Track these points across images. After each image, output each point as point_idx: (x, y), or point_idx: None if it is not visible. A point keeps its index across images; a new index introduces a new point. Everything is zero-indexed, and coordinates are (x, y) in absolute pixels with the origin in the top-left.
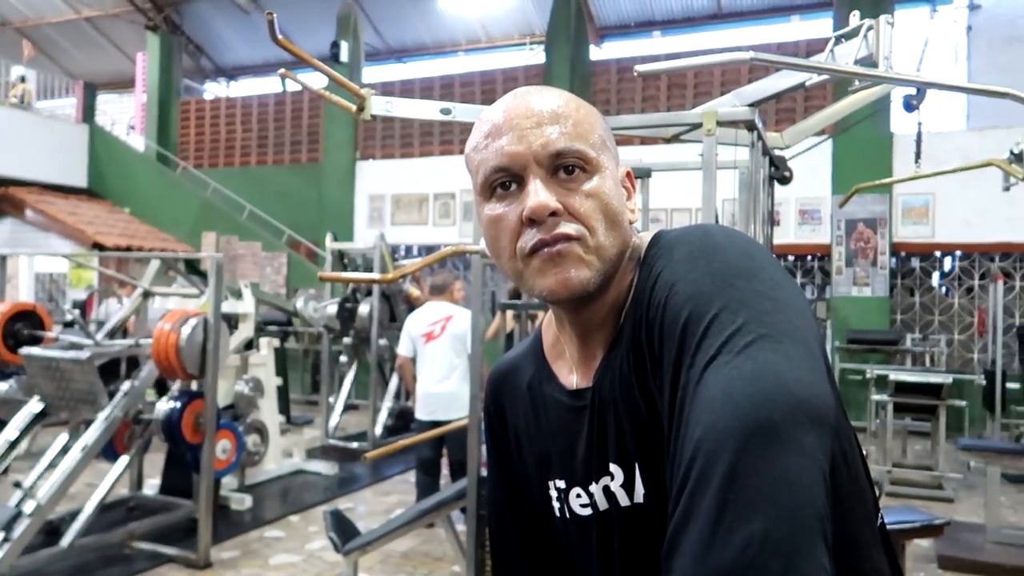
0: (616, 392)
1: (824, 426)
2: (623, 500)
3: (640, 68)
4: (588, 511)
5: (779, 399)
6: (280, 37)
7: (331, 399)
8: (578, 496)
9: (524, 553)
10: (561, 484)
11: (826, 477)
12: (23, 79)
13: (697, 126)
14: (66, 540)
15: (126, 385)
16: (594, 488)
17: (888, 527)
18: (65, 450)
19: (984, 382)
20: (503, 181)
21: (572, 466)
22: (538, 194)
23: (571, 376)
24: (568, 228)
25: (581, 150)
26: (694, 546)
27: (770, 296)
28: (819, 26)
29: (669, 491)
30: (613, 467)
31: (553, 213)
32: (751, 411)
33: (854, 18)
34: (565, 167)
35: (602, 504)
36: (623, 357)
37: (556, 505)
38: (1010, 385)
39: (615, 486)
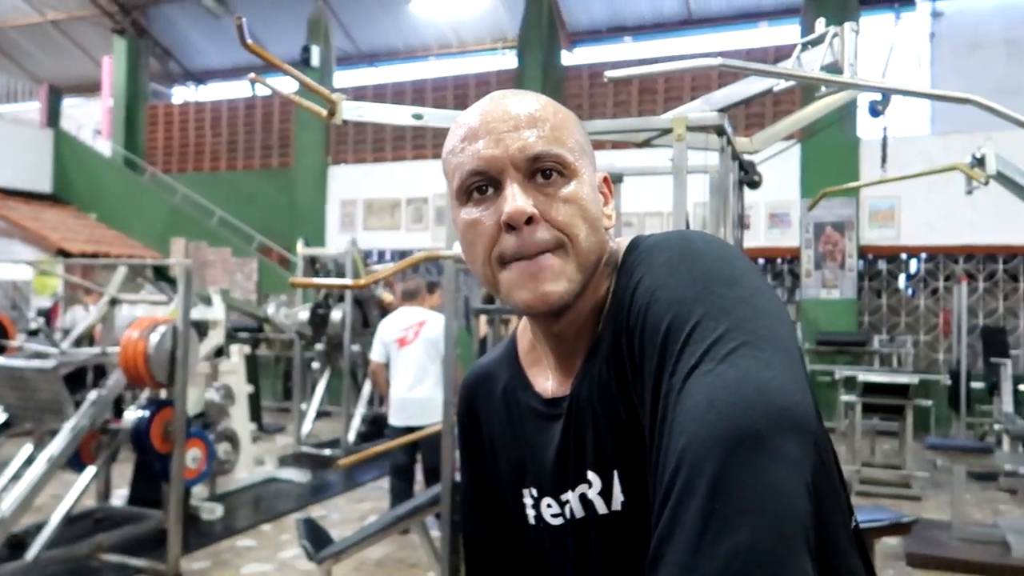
0: (595, 400)
1: (806, 434)
2: (601, 508)
3: (611, 74)
4: (559, 520)
5: (762, 408)
6: (250, 41)
7: (303, 406)
8: (549, 506)
9: (498, 559)
10: (535, 492)
11: (809, 485)
12: None
13: (668, 131)
14: (31, 553)
15: (93, 394)
16: (568, 496)
17: (859, 526)
18: (30, 461)
19: (949, 382)
20: (480, 185)
21: (545, 475)
22: (515, 199)
23: (547, 384)
24: (546, 235)
25: (559, 154)
26: (679, 557)
27: (751, 303)
28: (787, 32)
29: (652, 500)
30: (591, 475)
31: (530, 219)
32: (734, 420)
33: (820, 25)
34: (543, 171)
35: (578, 512)
36: (603, 364)
37: (530, 513)
38: (974, 385)
39: (592, 494)
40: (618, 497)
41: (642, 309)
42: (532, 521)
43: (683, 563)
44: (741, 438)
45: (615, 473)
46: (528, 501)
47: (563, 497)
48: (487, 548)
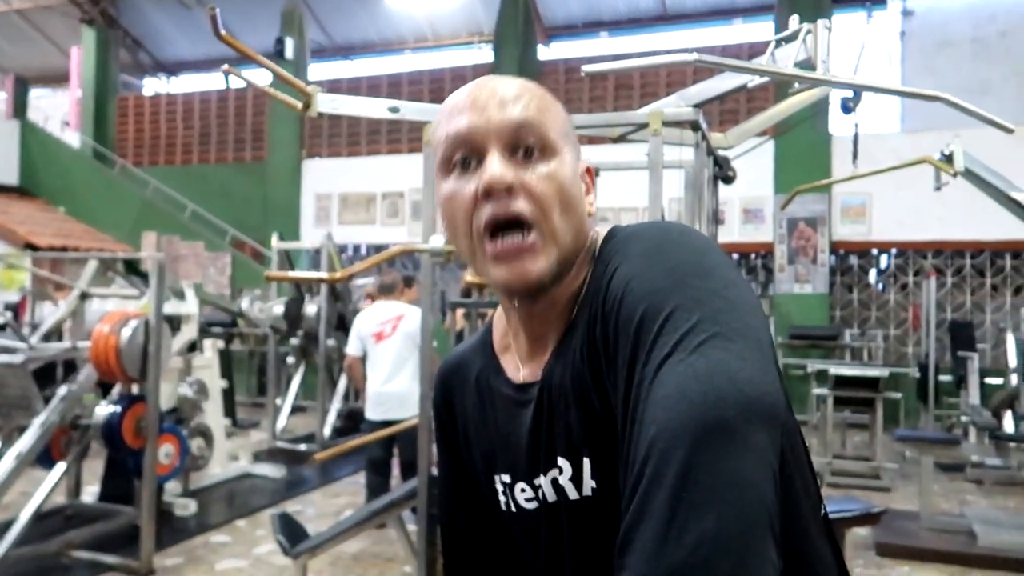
0: (567, 386)
1: (774, 425)
2: (572, 494)
3: (588, 68)
4: (534, 504)
5: (731, 398)
6: (223, 32)
7: (278, 401)
8: (523, 490)
9: (474, 547)
10: (506, 478)
11: (776, 475)
12: None
13: (644, 126)
14: (0, 551)
15: (63, 389)
16: (540, 481)
17: (829, 516)
18: None
19: (918, 375)
20: (463, 157)
21: (516, 460)
22: (495, 166)
23: (518, 370)
24: (522, 206)
25: (542, 128)
26: (647, 544)
27: (724, 295)
28: (761, 29)
29: (622, 488)
30: (561, 461)
31: (510, 188)
32: (704, 410)
33: (794, 22)
34: (525, 148)
35: (550, 497)
36: (576, 351)
37: (502, 499)
38: (942, 378)
39: (563, 479)
40: (588, 483)
41: (617, 298)
42: (504, 508)
43: (650, 550)
44: (710, 428)
45: (585, 460)
46: (499, 487)
47: (536, 482)
48: (464, 536)
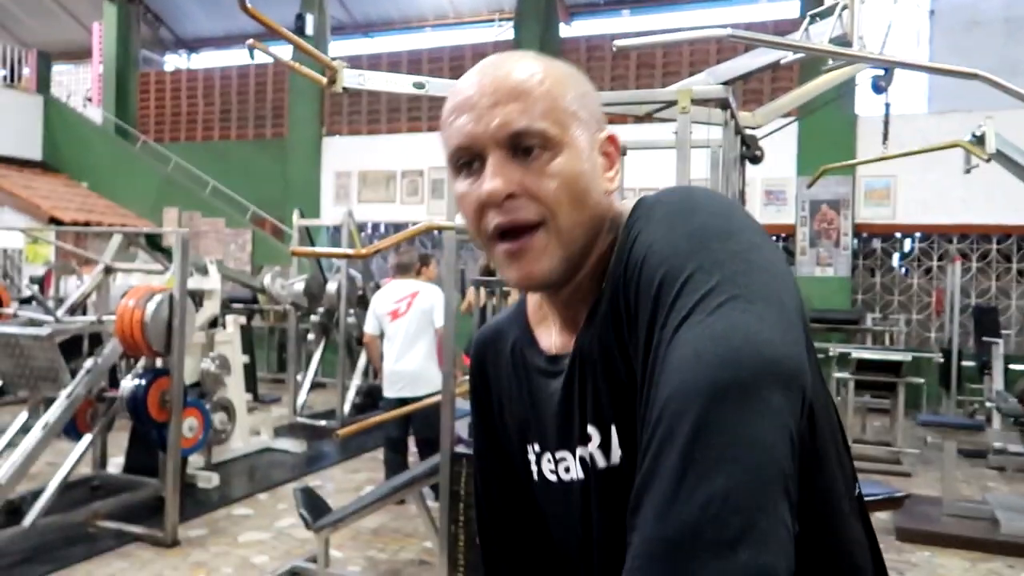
0: (596, 355)
1: (793, 388)
2: (600, 462)
3: (619, 43)
4: (559, 476)
5: (747, 359)
6: (249, 5)
7: (299, 377)
8: (549, 461)
9: (508, 518)
10: (537, 448)
11: (793, 438)
12: None
13: (672, 103)
14: (28, 520)
15: (89, 362)
16: (567, 452)
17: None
18: (25, 429)
19: (941, 360)
20: (467, 161)
21: (547, 431)
22: (492, 179)
23: (552, 341)
24: (527, 211)
25: (541, 130)
26: (657, 503)
27: (746, 258)
28: (785, 7)
29: (640, 450)
30: (591, 429)
31: (511, 195)
32: (719, 370)
33: None
34: (525, 147)
35: (578, 467)
36: (603, 319)
37: (534, 469)
38: (965, 363)
39: (592, 447)
40: (616, 451)
41: (638, 263)
42: (536, 477)
43: (660, 509)
44: (724, 388)
45: (612, 427)
46: (531, 457)
47: (563, 453)
48: (497, 505)
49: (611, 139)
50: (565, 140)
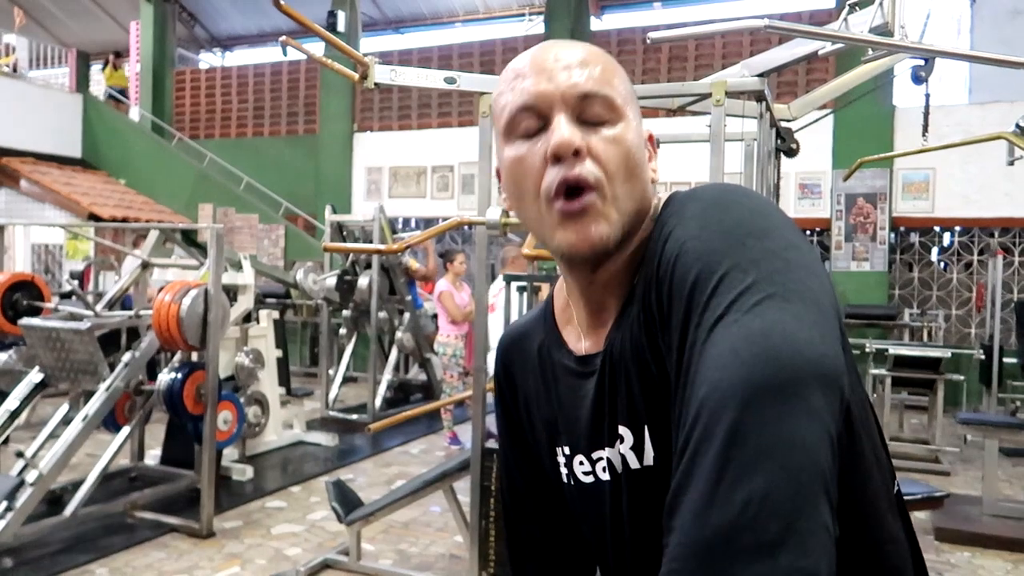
0: (627, 354)
1: (832, 387)
2: (633, 463)
3: (653, 35)
4: (593, 478)
5: (786, 358)
6: (282, 2)
7: (330, 371)
8: (581, 463)
9: (534, 517)
10: (567, 450)
11: (832, 438)
12: (7, 48)
13: (706, 96)
14: (69, 509)
15: (127, 356)
16: (601, 453)
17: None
18: (66, 421)
19: (982, 357)
20: (529, 122)
21: (578, 432)
22: (563, 129)
23: (580, 342)
24: (589, 170)
25: (608, 95)
26: (695, 504)
27: (782, 256)
28: None
29: (675, 450)
30: (623, 429)
31: (577, 152)
32: (757, 369)
33: None
34: (592, 112)
35: (608, 469)
36: (634, 317)
37: (563, 471)
38: (1007, 360)
39: (625, 448)
40: (649, 452)
41: (671, 260)
42: (565, 479)
43: (698, 511)
44: (763, 387)
45: (646, 428)
46: (561, 459)
47: (596, 454)
48: (524, 505)
49: (650, 138)
50: (626, 116)
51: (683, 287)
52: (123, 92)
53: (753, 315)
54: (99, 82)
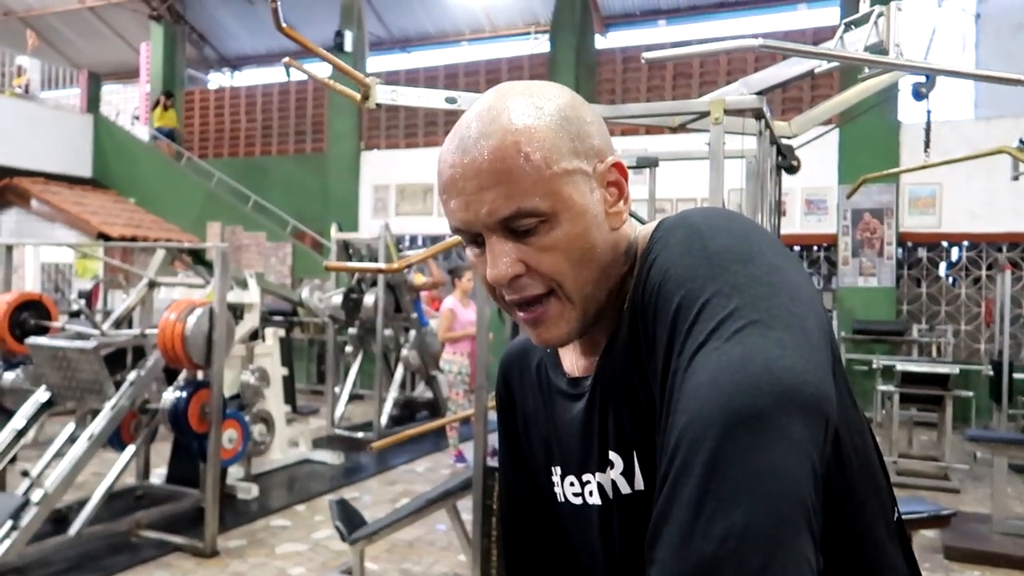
0: (617, 379)
1: (814, 415)
2: (624, 488)
3: (648, 55)
4: (581, 500)
5: (765, 386)
6: (285, 25)
7: (336, 389)
8: (572, 484)
9: (533, 536)
10: (560, 471)
11: (815, 467)
12: (19, 69)
13: (705, 114)
14: (74, 528)
15: (132, 375)
16: (591, 477)
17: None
18: (72, 439)
19: (991, 373)
20: (466, 237)
21: (569, 453)
22: (493, 267)
23: (574, 363)
24: (534, 287)
25: (531, 208)
26: (675, 537)
27: (766, 281)
28: (826, 14)
29: (657, 479)
30: (613, 455)
31: (515, 276)
32: (736, 398)
33: (864, 4)
34: (518, 225)
35: (598, 493)
36: (623, 344)
37: (557, 491)
38: (1017, 376)
39: (615, 474)
40: (639, 478)
41: (655, 287)
42: (559, 499)
43: (678, 544)
44: (741, 417)
45: (635, 453)
46: (555, 479)
47: (586, 477)
48: (522, 524)
49: (616, 166)
50: (559, 207)
51: (667, 314)
52: (171, 134)
53: (734, 343)
54: (109, 103)
